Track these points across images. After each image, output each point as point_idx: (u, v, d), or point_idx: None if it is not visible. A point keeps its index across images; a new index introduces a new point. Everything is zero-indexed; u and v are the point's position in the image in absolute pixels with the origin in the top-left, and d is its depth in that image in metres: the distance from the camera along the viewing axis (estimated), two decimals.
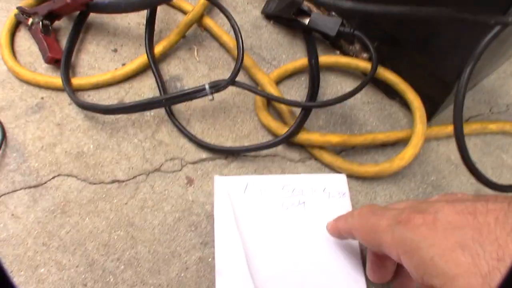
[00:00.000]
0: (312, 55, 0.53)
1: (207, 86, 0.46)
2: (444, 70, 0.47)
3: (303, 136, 0.47)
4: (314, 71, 0.51)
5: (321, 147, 0.47)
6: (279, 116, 0.50)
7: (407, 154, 0.46)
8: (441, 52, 0.46)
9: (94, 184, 0.44)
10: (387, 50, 0.51)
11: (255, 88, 0.47)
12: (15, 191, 0.43)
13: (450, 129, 0.50)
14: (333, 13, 0.55)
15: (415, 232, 0.29)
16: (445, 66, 0.46)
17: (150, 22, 0.54)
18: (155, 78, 0.51)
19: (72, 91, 0.49)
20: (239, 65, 0.46)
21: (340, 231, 0.39)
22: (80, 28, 0.54)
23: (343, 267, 0.40)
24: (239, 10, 0.59)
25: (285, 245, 0.41)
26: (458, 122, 0.41)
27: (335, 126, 0.50)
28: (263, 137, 0.49)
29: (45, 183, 0.44)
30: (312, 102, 0.48)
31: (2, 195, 0.43)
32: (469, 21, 0.39)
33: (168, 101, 0.46)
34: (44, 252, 0.40)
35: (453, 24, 0.43)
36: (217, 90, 0.46)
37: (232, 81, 0.46)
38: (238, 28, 0.48)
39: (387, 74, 0.51)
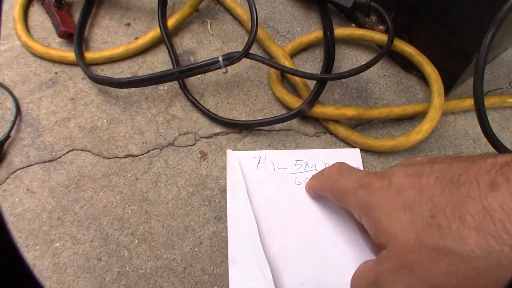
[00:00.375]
0: (327, 28, 0.52)
1: (220, 59, 0.45)
2: (463, 41, 0.45)
3: (318, 110, 0.46)
4: (329, 44, 0.50)
5: (336, 121, 0.47)
6: (293, 90, 0.49)
7: (424, 127, 0.45)
8: (460, 22, 0.45)
9: (108, 158, 0.44)
10: (403, 21, 0.50)
11: (269, 60, 0.46)
12: (30, 165, 0.44)
13: (468, 103, 0.49)
14: None
15: (372, 195, 0.31)
16: (464, 36, 0.45)
17: None
18: (168, 51, 0.50)
19: (86, 65, 0.48)
20: (253, 37, 0.45)
21: (313, 189, 0.41)
22: (93, 2, 0.54)
23: (356, 240, 0.40)
24: None
25: (298, 220, 0.41)
26: (479, 93, 0.40)
27: (350, 100, 0.50)
28: (277, 111, 0.48)
29: (60, 157, 0.44)
30: (328, 74, 0.47)
31: (17, 170, 0.43)
32: None
33: (181, 73, 0.46)
34: (59, 227, 0.40)
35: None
36: (231, 63, 0.46)
37: (246, 53, 0.45)
38: (253, 0, 0.47)
39: (403, 47, 0.50)
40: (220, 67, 0.45)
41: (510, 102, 0.51)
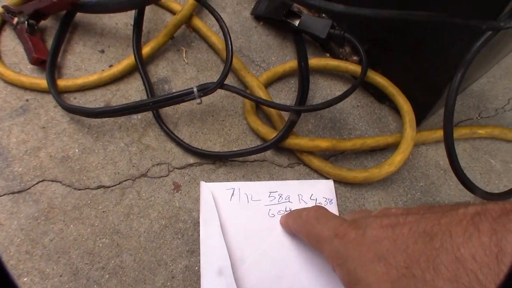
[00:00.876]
0: (302, 58, 0.52)
1: (195, 89, 0.45)
2: (434, 75, 0.46)
3: (292, 141, 0.46)
4: (303, 74, 0.51)
5: (310, 152, 0.47)
6: (268, 120, 0.50)
7: (396, 159, 0.46)
8: (431, 57, 0.46)
9: (79, 189, 0.43)
10: (377, 53, 0.51)
11: (244, 91, 0.46)
12: None
13: (439, 134, 0.50)
14: (324, 15, 0.54)
15: (347, 246, 0.31)
16: (435, 71, 0.46)
17: (138, 23, 0.53)
18: (143, 80, 0.50)
19: (58, 93, 0.48)
20: (228, 68, 0.45)
21: (289, 229, 0.41)
22: (66, 28, 0.53)
23: (329, 278, 0.40)
24: (229, 11, 0.58)
25: (271, 254, 0.41)
26: (448, 129, 0.41)
27: (324, 130, 0.50)
28: (252, 142, 0.48)
29: (29, 188, 0.43)
30: (302, 106, 0.48)
31: None
32: (461, 26, 0.38)
33: (155, 104, 0.45)
34: (27, 261, 0.40)
35: (444, 28, 0.43)
36: (206, 94, 0.46)
37: (220, 84, 0.45)
38: (227, 30, 0.47)
39: (377, 78, 0.51)
40: (194, 98, 0.45)
41: (480, 133, 0.52)
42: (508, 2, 0.36)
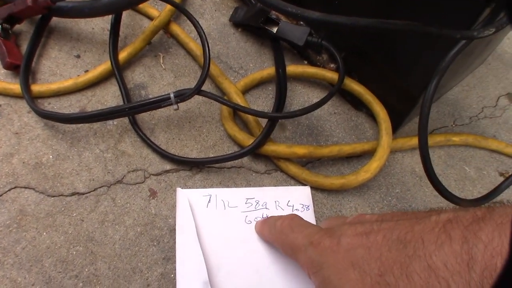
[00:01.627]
0: (280, 65, 0.52)
1: (172, 95, 0.45)
2: (410, 83, 0.47)
3: (269, 148, 0.46)
4: (281, 81, 0.51)
5: (287, 159, 0.47)
6: (245, 126, 0.50)
7: (372, 166, 0.46)
8: (407, 65, 0.46)
9: (53, 196, 0.43)
10: (354, 61, 0.51)
11: (221, 97, 0.46)
12: None
13: (414, 141, 0.51)
14: (302, 22, 0.54)
15: (322, 254, 0.31)
16: (411, 79, 0.46)
17: (115, 28, 0.52)
18: (119, 86, 0.50)
19: (32, 98, 0.47)
20: (205, 74, 0.45)
21: (265, 238, 0.41)
22: (41, 33, 0.52)
23: (307, 282, 0.40)
24: (207, 17, 0.58)
25: (248, 261, 0.41)
26: (423, 138, 0.41)
27: (301, 136, 0.50)
28: (229, 148, 0.48)
29: (1, 195, 0.42)
30: (279, 113, 0.48)
31: None
32: (435, 35, 0.39)
33: (131, 110, 0.45)
34: None
35: (419, 37, 0.44)
36: (183, 100, 0.45)
37: (197, 90, 0.45)
38: (205, 36, 0.47)
39: (353, 85, 0.51)
40: (171, 104, 0.45)
41: (454, 140, 0.53)
42: (482, 12, 0.37)
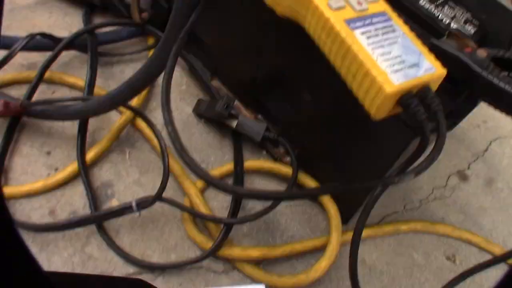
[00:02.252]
0: (238, 162, 0.56)
1: (134, 204, 0.48)
2: (360, 179, 0.50)
3: (226, 251, 0.50)
4: (238, 180, 0.54)
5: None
6: (204, 227, 0.53)
7: (322, 265, 0.50)
8: (355, 165, 0.50)
9: None
10: (308, 156, 0.55)
11: (180, 204, 0.49)
12: None
13: (364, 233, 0.54)
14: (260, 116, 0.58)
15: None
16: (360, 176, 0.50)
17: (82, 130, 0.55)
18: (86, 191, 0.53)
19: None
20: (165, 183, 0.49)
21: None
22: (12, 134, 0.55)
23: None
24: (172, 106, 0.61)
25: None
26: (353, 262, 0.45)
27: (258, 233, 0.54)
28: (189, 248, 0.52)
29: None
30: (234, 218, 0.51)
31: None
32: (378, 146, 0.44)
33: (97, 219, 0.49)
34: None
35: (365, 145, 0.47)
36: (144, 207, 0.49)
37: (158, 198, 0.49)
38: (165, 146, 0.51)
39: (307, 181, 0.55)
40: (133, 212, 0.48)
41: (403, 229, 0.56)
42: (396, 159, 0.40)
